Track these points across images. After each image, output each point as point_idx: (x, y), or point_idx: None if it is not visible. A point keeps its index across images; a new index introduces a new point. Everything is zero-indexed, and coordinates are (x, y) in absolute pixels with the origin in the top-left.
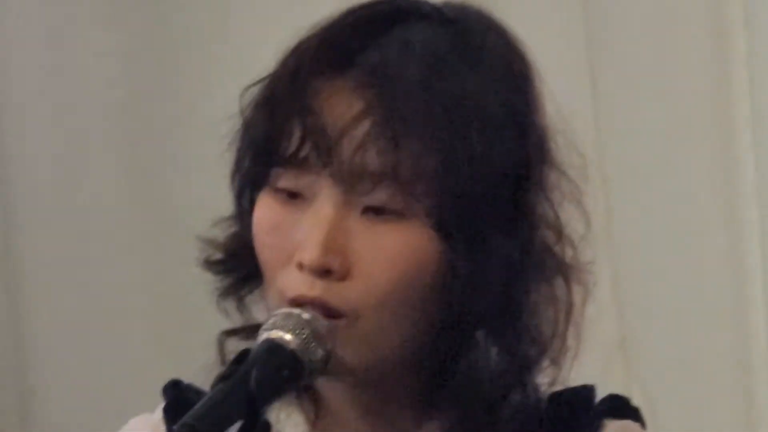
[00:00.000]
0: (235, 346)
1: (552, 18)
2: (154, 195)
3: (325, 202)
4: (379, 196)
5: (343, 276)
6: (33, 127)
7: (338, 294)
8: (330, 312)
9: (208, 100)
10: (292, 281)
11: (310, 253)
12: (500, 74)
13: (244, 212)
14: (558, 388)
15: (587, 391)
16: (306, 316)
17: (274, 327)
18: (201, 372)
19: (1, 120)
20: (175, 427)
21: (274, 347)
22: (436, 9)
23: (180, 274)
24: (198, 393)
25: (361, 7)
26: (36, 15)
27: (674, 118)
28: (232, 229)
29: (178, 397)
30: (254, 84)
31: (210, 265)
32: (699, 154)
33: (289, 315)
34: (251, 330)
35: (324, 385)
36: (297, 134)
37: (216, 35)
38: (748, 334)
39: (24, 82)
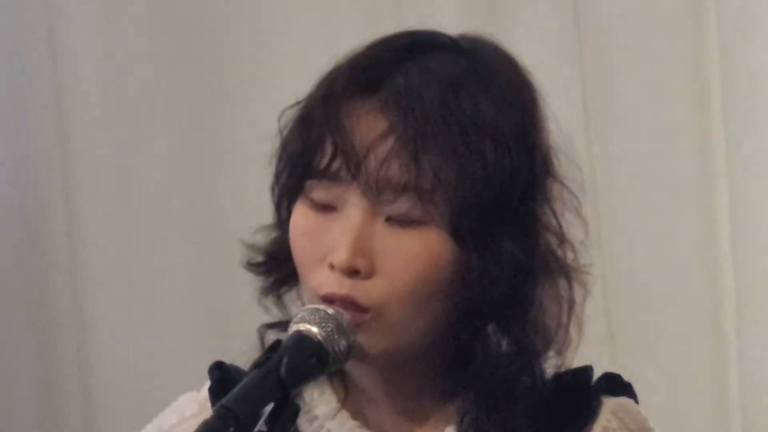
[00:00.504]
0: (274, 337)
1: (549, 50)
2: (203, 197)
3: (353, 210)
4: (402, 206)
5: (369, 275)
6: (95, 135)
7: (364, 291)
8: (357, 307)
9: (253, 116)
10: (324, 280)
11: (340, 255)
12: (509, 98)
13: (282, 220)
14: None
15: (586, 371)
16: (330, 311)
17: (302, 321)
18: (244, 355)
19: (67, 127)
20: (213, 410)
21: (303, 338)
22: (453, 40)
23: (227, 269)
24: (240, 373)
25: (386, 39)
26: (95, 32)
27: (656, 140)
28: (272, 236)
29: (222, 377)
30: (291, 106)
31: (252, 267)
32: (678, 170)
33: (315, 310)
34: (288, 324)
35: (353, 368)
36: (329, 150)
37: (262, 55)
38: (721, 329)
39: (87, 94)
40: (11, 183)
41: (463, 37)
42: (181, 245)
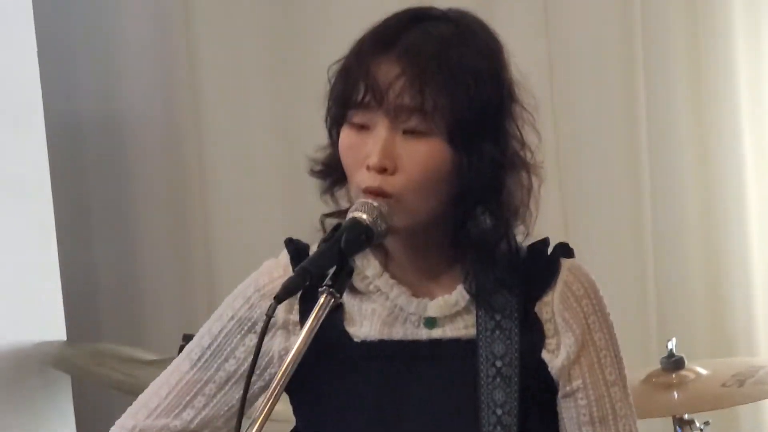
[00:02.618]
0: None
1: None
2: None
3: (380, 128)
4: (413, 123)
5: (393, 172)
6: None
7: (389, 183)
8: (384, 194)
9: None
10: (363, 177)
11: (373, 159)
12: (483, 50)
13: (333, 141)
14: (530, 242)
15: (546, 240)
16: (375, 203)
17: (356, 210)
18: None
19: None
20: (295, 270)
21: (357, 222)
22: (443, 12)
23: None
24: (304, 245)
25: (397, 13)
26: None
27: (600, 90)
28: (327, 152)
29: (296, 248)
30: (334, 63)
31: (315, 173)
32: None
33: (365, 203)
34: (339, 214)
35: (390, 242)
36: (362, 89)
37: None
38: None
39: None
40: None
41: (450, 10)
42: (277, 172)
